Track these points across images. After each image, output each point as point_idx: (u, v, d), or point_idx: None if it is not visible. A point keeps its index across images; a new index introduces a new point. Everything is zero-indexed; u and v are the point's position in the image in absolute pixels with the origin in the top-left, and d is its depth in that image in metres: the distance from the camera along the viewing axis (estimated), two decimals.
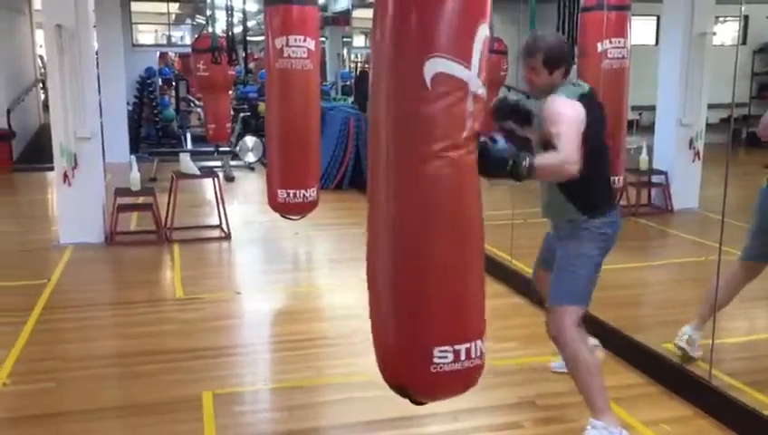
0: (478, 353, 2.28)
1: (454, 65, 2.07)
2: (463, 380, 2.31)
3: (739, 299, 4.70)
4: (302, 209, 5.57)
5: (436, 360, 2.20)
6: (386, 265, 2.25)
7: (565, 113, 2.91)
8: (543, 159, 2.76)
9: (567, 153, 2.79)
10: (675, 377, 3.71)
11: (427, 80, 2.08)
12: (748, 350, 4.39)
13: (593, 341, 3.84)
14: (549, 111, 2.95)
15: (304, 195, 5.35)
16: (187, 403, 3.56)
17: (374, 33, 2.20)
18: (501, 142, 2.45)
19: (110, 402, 3.64)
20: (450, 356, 2.21)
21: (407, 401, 3.57)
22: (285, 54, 5.04)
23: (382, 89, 2.17)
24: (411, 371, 2.28)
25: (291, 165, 5.27)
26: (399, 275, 2.23)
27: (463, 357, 2.23)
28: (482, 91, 2.16)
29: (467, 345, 2.24)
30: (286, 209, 5.56)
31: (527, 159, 2.52)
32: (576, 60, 6.37)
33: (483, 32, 2.12)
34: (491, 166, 2.37)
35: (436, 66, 2.07)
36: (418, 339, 2.22)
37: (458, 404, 3.54)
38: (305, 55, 5.07)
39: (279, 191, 5.35)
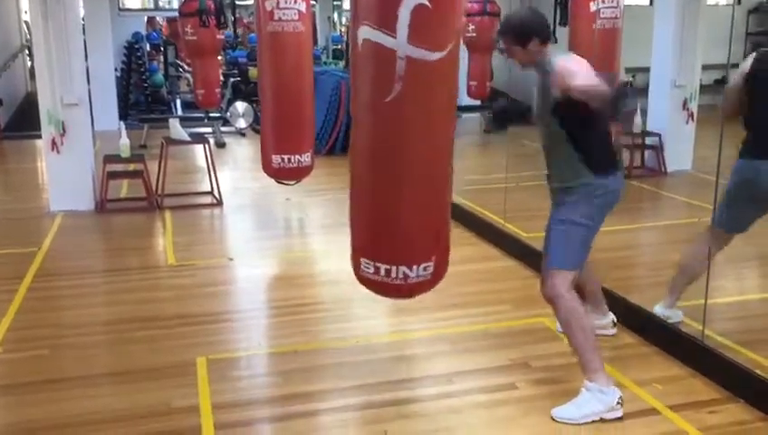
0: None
1: (378, 33, 2.40)
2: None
3: (730, 259, 4.75)
4: (297, 174, 5.54)
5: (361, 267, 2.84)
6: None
7: (575, 65, 3.05)
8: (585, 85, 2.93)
9: (598, 87, 2.89)
10: (667, 337, 3.72)
11: (359, 45, 2.48)
12: (740, 310, 4.42)
13: (611, 316, 3.86)
14: (559, 70, 3.03)
15: (299, 160, 5.32)
16: (181, 368, 3.56)
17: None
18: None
19: (105, 369, 3.65)
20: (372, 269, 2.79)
21: (401, 364, 3.62)
22: (276, 17, 4.96)
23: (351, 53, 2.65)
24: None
25: (285, 130, 5.22)
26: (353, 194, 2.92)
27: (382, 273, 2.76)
28: (418, 53, 2.42)
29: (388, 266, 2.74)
30: (281, 175, 5.52)
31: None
32: (567, 22, 6.33)
33: (409, 3, 2.34)
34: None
35: (363, 33, 2.44)
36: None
37: (453, 366, 3.59)
38: (296, 17, 4.98)
39: (273, 157, 5.30)
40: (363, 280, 2.89)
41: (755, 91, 3.61)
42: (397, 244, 2.74)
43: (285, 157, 5.29)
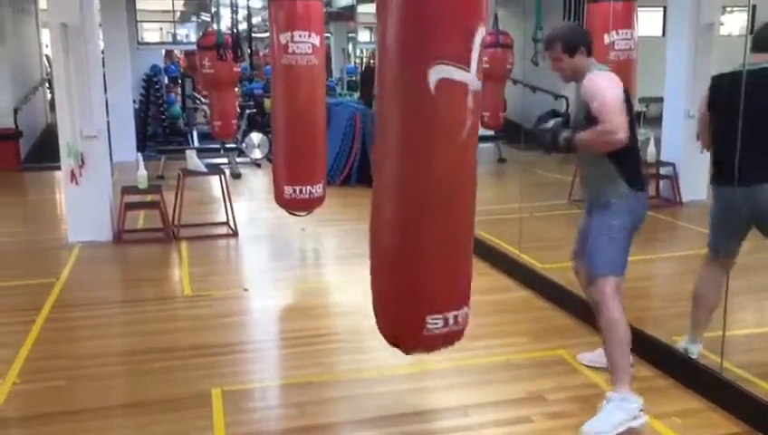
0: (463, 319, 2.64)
1: (455, 69, 2.26)
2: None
3: (748, 290, 4.71)
4: (308, 205, 5.58)
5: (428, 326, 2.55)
6: (390, 235, 2.61)
7: (607, 87, 3.16)
8: (589, 132, 3.14)
9: (614, 123, 3.07)
10: (685, 370, 3.69)
11: (431, 86, 2.26)
12: (759, 341, 4.37)
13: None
14: (590, 88, 3.18)
15: (311, 191, 5.36)
16: (196, 400, 3.56)
17: (379, 39, 2.40)
18: (550, 122, 3.25)
19: (121, 400, 3.65)
20: (440, 322, 2.56)
21: (417, 397, 3.61)
22: (290, 50, 5.04)
23: (388, 93, 2.41)
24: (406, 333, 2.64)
25: (297, 161, 5.28)
26: (402, 247, 2.55)
27: (451, 322, 2.58)
28: (478, 85, 2.39)
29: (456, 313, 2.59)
30: (293, 206, 5.57)
31: (565, 132, 3.23)
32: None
33: (481, 33, 2.29)
34: (535, 138, 3.07)
35: (439, 73, 2.25)
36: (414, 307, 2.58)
37: (469, 399, 3.57)
38: (310, 51, 5.06)
39: (285, 188, 5.35)
40: (429, 340, 2.61)
41: (715, 117, 3.63)
42: (463, 285, 2.68)
43: (297, 188, 5.34)
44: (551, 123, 3.39)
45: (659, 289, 5.62)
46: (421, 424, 3.36)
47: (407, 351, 2.70)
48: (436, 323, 2.51)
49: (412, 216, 2.48)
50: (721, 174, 3.60)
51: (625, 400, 3.17)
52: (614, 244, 3.29)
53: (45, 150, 11.53)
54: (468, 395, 3.64)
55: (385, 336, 2.72)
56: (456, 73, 2.24)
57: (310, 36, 5.05)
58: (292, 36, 5.02)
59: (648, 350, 3.90)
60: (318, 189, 5.42)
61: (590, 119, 3.16)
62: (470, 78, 2.29)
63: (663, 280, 5.82)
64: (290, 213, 5.83)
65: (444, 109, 2.30)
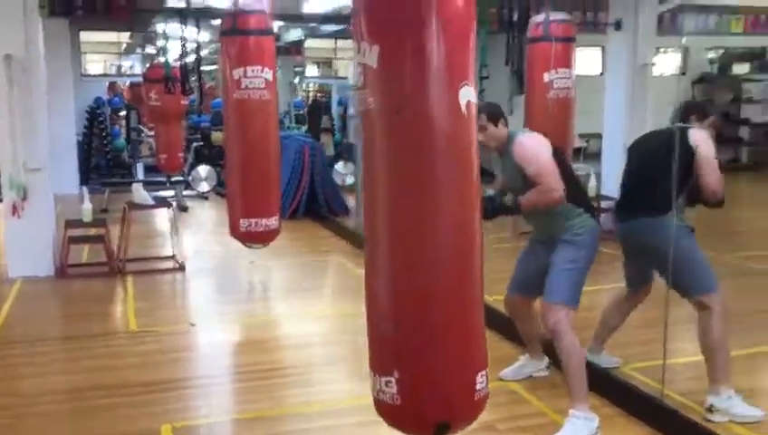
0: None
1: (472, 91, 2.15)
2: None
3: (688, 320, 4.88)
4: (264, 238, 5.60)
5: (477, 386, 2.22)
6: (400, 301, 2.18)
7: (538, 152, 3.51)
8: (530, 194, 3.47)
9: (551, 183, 3.41)
10: (629, 398, 3.80)
11: (462, 108, 2.11)
12: (697, 369, 4.52)
13: (546, 359, 4.06)
14: (523, 153, 3.50)
15: (266, 224, 5.39)
16: None
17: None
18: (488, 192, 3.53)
19: None
20: (485, 380, 2.25)
21: (367, 429, 3.62)
22: (243, 85, 5.09)
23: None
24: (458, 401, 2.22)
25: (252, 194, 5.32)
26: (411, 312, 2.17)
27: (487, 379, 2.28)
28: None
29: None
30: (249, 238, 5.58)
31: (507, 197, 3.60)
32: (524, 91, 6.60)
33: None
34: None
35: (467, 95, 2.12)
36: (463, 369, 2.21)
37: None
38: (263, 86, 5.12)
39: (241, 220, 5.37)
40: (479, 403, 2.26)
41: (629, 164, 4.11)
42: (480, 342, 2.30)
43: (253, 220, 5.35)
44: (488, 192, 3.69)
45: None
46: None
47: (460, 426, 2.26)
48: (482, 382, 2.22)
49: (445, 261, 2.14)
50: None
51: (587, 419, 3.39)
52: (574, 276, 3.54)
53: None
54: None
55: (422, 419, 2.21)
56: (472, 95, 2.14)
57: (263, 71, 5.11)
58: (245, 71, 5.07)
59: (593, 379, 3.99)
60: (273, 222, 5.44)
61: (527, 181, 3.47)
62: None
63: None
64: (246, 246, 5.83)
65: (471, 129, 2.16)
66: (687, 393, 3.85)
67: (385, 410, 2.24)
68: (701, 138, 3.72)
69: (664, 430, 3.52)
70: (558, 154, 3.59)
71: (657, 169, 3.71)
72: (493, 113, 3.59)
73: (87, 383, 4.20)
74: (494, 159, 3.76)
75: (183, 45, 6.55)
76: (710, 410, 3.61)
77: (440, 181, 2.12)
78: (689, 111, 3.97)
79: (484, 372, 2.24)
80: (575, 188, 3.66)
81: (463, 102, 2.10)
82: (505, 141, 3.59)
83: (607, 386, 3.93)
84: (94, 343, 4.93)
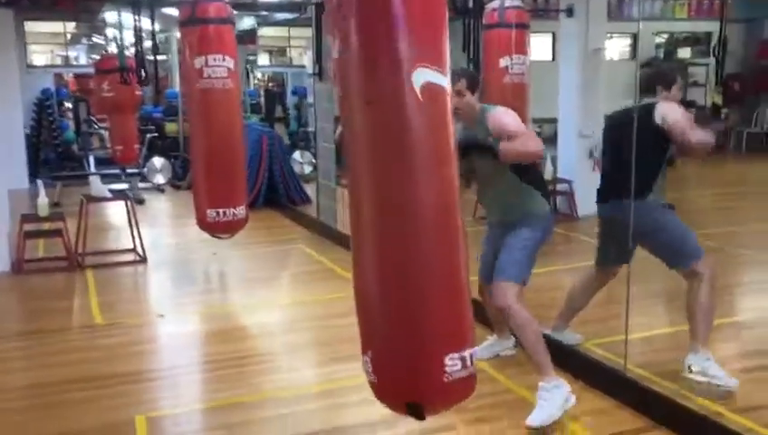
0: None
1: (436, 74, 2.10)
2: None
3: (646, 296, 5.07)
4: (232, 227, 5.59)
5: (447, 369, 2.18)
6: (378, 283, 2.21)
7: (513, 119, 3.52)
8: (513, 143, 3.42)
9: (531, 137, 3.49)
10: (593, 372, 3.94)
11: (417, 91, 2.08)
12: (656, 343, 4.71)
13: (513, 339, 4.18)
14: (501, 121, 3.50)
15: (234, 213, 5.38)
16: (120, 428, 3.52)
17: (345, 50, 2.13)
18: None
19: (42, 432, 3.54)
20: (459, 364, 2.19)
21: (343, 412, 3.68)
22: (205, 74, 5.06)
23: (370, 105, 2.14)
24: (425, 383, 2.22)
25: (219, 184, 5.30)
26: (392, 289, 2.18)
27: (469, 364, 2.23)
28: (450, 88, 2.22)
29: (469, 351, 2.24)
30: (217, 229, 5.56)
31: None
32: (480, 76, 6.70)
33: (446, 37, 2.20)
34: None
35: (423, 76, 2.09)
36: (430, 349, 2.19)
37: (392, 412, 3.67)
38: (225, 74, 5.10)
39: (208, 211, 5.35)
40: (450, 387, 2.23)
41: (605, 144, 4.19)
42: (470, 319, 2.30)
43: (220, 210, 5.33)
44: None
45: (561, 299, 5.91)
46: None
47: (427, 409, 2.28)
48: (454, 365, 2.17)
49: (415, 234, 2.15)
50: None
51: (556, 387, 3.47)
52: (523, 254, 3.61)
53: None
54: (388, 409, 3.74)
55: (395, 398, 2.29)
56: (437, 78, 2.11)
57: (224, 60, 5.08)
58: (207, 60, 5.03)
59: (559, 355, 4.12)
60: (241, 211, 5.44)
61: (496, 154, 3.45)
62: (445, 80, 2.16)
63: (564, 290, 6.12)
64: (213, 236, 5.80)
65: (431, 113, 2.12)
66: (647, 366, 4.01)
67: (371, 388, 2.32)
68: (665, 110, 3.74)
69: (627, 401, 3.66)
70: None
71: (632, 150, 3.72)
72: (472, 81, 3.59)
73: (56, 378, 4.16)
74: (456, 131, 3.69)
75: (137, 35, 6.44)
76: (690, 369, 3.75)
77: (413, 168, 2.12)
78: (654, 82, 3.96)
79: (456, 355, 2.17)
80: (533, 171, 3.75)
81: (417, 86, 2.07)
82: (477, 112, 3.58)
83: (572, 362, 4.05)
84: (60, 338, 4.88)
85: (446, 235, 2.22)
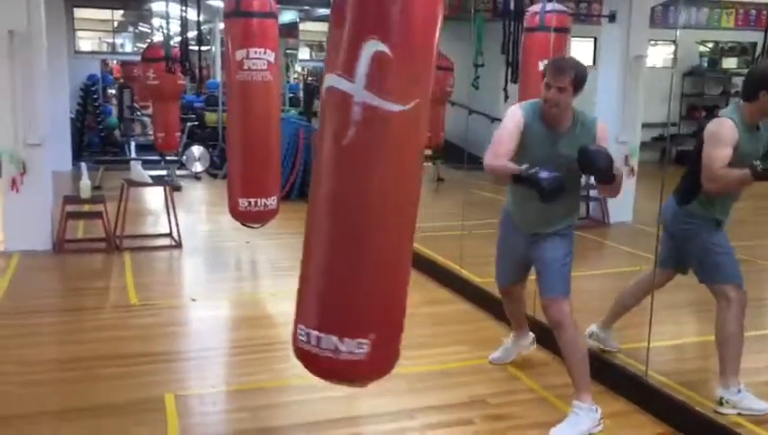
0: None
1: (340, 79, 2.33)
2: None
3: (669, 306, 5.06)
4: (262, 218, 5.69)
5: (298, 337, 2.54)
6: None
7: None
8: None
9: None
10: (614, 377, 3.96)
11: (323, 93, 2.41)
12: (679, 352, 4.71)
13: (531, 335, 4.21)
14: (605, 139, 3.48)
15: (265, 203, 5.48)
16: (149, 404, 3.64)
17: None
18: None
19: (74, 404, 3.68)
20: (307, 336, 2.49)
21: (362, 401, 3.76)
22: (246, 66, 5.16)
23: None
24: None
25: (252, 175, 5.40)
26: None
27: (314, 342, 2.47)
28: (376, 102, 2.30)
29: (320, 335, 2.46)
30: (248, 218, 5.67)
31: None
32: (518, 79, 6.71)
33: (370, 48, 2.26)
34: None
35: (328, 81, 2.38)
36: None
37: (414, 403, 3.75)
38: (265, 67, 5.20)
39: (240, 200, 5.46)
40: (298, 352, 2.61)
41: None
42: (328, 308, 2.49)
43: (252, 200, 5.44)
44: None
45: (588, 304, 5.88)
46: (368, 426, 3.53)
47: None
48: (302, 335, 2.50)
49: (312, 214, 2.55)
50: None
51: (591, 410, 3.43)
52: (568, 268, 3.60)
53: None
54: (411, 400, 3.82)
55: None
56: (340, 83, 2.32)
57: (265, 53, 5.19)
58: (248, 53, 5.15)
59: None
60: (272, 202, 5.54)
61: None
62: (354, 89, 2.30)
63: (592, 295, 6.10)
64: (243, 224, 5.92)
65: (327, 112, 2.40)
66: (668, 374, 4.03)
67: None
68: (714, 124, 3.53)
69: (646, 407, 3.68)
70: None
71: (694, 155, 3.64)
72: (580, 79, 3.35)
73: (90, 354, 4.31)
74: (529, 130, 3.44)
75: (183, 25, 6.60)
76: (720, 402, 3.64)
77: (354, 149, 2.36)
78: (759, 86, 3.45)
79: (303, 327, 2.49)
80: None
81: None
82: (571, 116, 3.43)
83: (593, 364, 4.07)
84: (95, 316, 5.04)
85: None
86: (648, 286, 4.08)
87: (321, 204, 2.49)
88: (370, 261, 2.43)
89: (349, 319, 2.45)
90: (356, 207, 2.39)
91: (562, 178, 3.30)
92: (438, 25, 2.37)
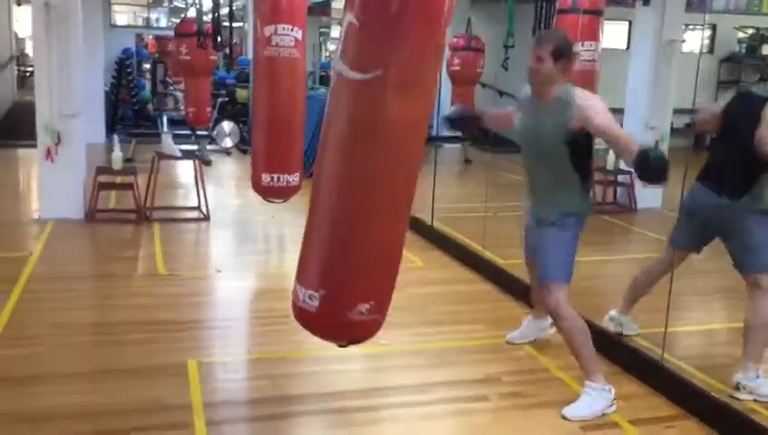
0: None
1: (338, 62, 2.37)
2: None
3: (693, 292, 5.05)
4: (284, 193, 5.75)
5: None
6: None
7: (606, 109, 3.36)
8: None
9: (625, 135, 3.38)
10: (630, 358, 3.99)
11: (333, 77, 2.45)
12: (696, 338, 4.71)
13: (549, 320, 4.18)
14: (588, 105, 3.34)
15: (288, 179, 5.55)
16: (173, 369, 3.75)
17: None
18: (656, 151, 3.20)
19: (101, 366, 3.82)
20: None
21: (379, 374, 3.84)
22: (273, 42, 5.21)
23: None
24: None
25: (276, 150, 5.47)
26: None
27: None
28: (343, 69, 2.33)
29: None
30: (270, 193, 5.73)
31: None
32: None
33: (345, 21, 2.34)
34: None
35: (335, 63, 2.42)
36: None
37: (428, 378, 3.83)
38: (292, 44, 5.24)
39: (263, 175, 5.53)
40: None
41: (724, 127, 3.86)
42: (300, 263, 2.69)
43: (275, 176, 5.51)
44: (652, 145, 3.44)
45: (612, 287, 5.89)
46: (381, 398, 3.61)
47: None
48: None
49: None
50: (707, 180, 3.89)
51: (604, 390, 3.46)
52: (568, 254, 3.55)
53: (10, 129, 11.48)
54: (428, 375, 3.89)
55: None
56: (337, 65, 2.37)
57: (293, 30, 5.22)
58: (276, 29, 5.19)
59: (598, 340, 4.17)
60: (295, 178, 5.60)
61: (569, 135, 3.36)
62: (336, 57, 2.37)
63: (615, 279, 6.10)
64: (266, 200, 5.99)
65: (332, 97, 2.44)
66: (684, 358, 4.05)
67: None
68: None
69: (661, 389, 3.71)
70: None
71: (744, 142, 3.59)
72: (560, 50, 3.37)
73: (117, 319, 4.46)
74: (522, 99, 3.61)
75: (215, 1, 6.67)
76: (737, 387, 3.64)
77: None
78: None
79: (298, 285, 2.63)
80: (588, 164, 3.57)
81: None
82: (556, 86, 3.40)
83: (612, 347, 4.11)
84: (124, 283, 5.18)
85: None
86: (662, 269, 4.11)
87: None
88: (342, 230, 2.50)
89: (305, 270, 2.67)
90: (331, 173, 2.45)
91: (467, 110, 3.65)
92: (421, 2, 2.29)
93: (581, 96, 3.39)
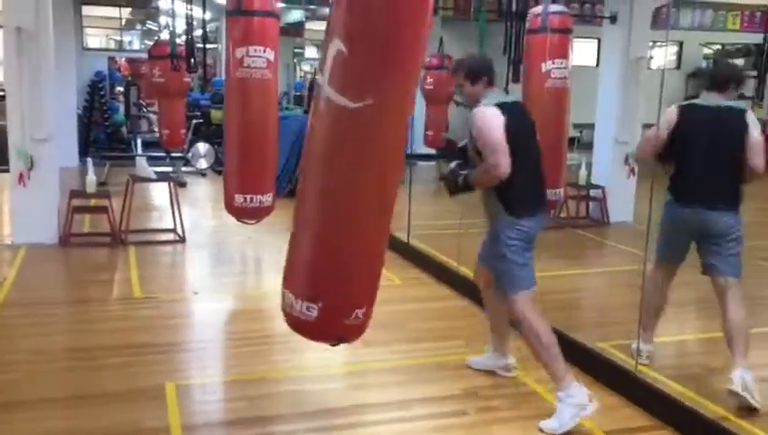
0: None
1: (320, 75, 2.51)
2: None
3: (671, 304, 5.12)
4: (258, 214, 5.75)
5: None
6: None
7: (485, 124, 3.46)
8: (477, 171, 3.52)
9: (493, 159, 3.41)
10: (604, 370, 4.04)
11: None
12: (669, 349, 4.78)
13: (511, 359, 4.11)
14: (474, 127, 3.50)
15: (260, 200, 5.55)
16: (151, 393, 3.74)
17: None
18: (452, 164, 3.57)
19: (79, 391, 3.79)
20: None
21: (357, 392, 3.85)
22: (245, 64, 5.24)
23: None
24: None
25: (248, 171, 5.48)
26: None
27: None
28: (333, 96, 2.43)
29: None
30: (243, 214, 5.73)
31: (461, 176, 3.58)
32: (521, 79, 6.77)
33: (332, 48, 2.41)
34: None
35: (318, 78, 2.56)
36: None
37: (406, 395, 3.85)
38: (264, 65, 5.28)
39: (236, 196, 5.53)
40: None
41: (684, 144, 3.89)
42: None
43: (248, 196, 5.52)
44: (452, 165, 3.72)
45: (586, 300, 6.02)
46: (361, 416, 3.62)
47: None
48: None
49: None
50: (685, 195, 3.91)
51: (570, 396, 3.45)
52: (511, 267, 3.57)
53: None
54: (406, 391, 3.91)
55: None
56: (319, 77, 2.50)
57: (265, 51, 5.26)
58: (248, 51, 5.22)
59: (573, 352, 4.23)
60: (268, 199, 5.61)
61: (477, 150, 3.52)
62: (323, 81, 2.46)
63: (590, 292, 6.22)
64: (239, 221, 5.99)
65: (313, 105, 2.60)
66: (659, 369, 4.12)
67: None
68: (754, 121, 3.65)
69: (635, 400, 3.76)
70: (520, 131, 3.51)
71: (727, 154, 3.65)
72: (472, 71, 3.58)
73: (93, 343, 4.42)
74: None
75: (189, 23, 6.69)
76: (745, 387, 3.63)
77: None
78: (728, 79, 3.74)
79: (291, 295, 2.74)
80: (516, 178, 3.45)
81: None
82: (478, 103, 3.56)
83: (586, 359, 4.16)
84: (100, 307, 5.15)
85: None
86: (667, 283, 4.14)
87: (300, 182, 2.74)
88: (331, 243, 2.62)
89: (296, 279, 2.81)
90: (317, 190, 2.61)
91: (455, 170, 3.66)
92: (407, 33, 2.40)
93: (474, 112, 3.54)
